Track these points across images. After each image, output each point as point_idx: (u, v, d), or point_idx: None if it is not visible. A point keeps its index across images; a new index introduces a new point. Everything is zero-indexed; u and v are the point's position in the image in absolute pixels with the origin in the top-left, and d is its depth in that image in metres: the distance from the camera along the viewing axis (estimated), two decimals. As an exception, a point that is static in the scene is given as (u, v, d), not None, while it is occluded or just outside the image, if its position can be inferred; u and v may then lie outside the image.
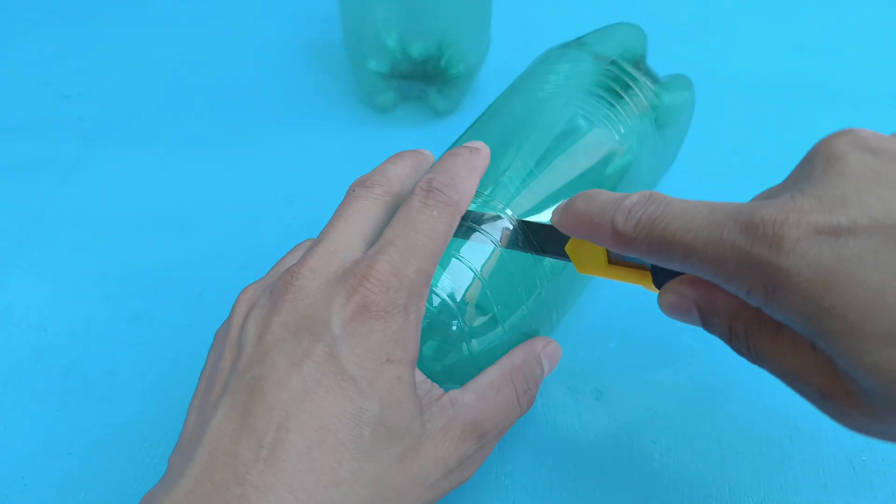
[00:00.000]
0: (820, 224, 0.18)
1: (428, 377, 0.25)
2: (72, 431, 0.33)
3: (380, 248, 0.23)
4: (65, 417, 0.34)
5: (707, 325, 0.22)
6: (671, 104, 0.35)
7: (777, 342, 0.20)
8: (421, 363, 0.26)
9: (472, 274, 0.27)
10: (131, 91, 0.50)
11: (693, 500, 0.31)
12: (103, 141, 0.46)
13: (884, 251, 0.17)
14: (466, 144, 0.28)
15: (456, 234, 0.27)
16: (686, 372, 0.35)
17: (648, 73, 0.36)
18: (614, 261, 0.25)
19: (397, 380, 0.22)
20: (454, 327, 0.27)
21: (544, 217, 0.29)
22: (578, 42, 0.36)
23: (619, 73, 0.34)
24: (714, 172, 0.44)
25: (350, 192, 0.26)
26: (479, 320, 0.27)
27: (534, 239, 0.27)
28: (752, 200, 0.21)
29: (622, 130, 0.32)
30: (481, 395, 0.26)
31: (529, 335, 0.29)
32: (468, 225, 0.27)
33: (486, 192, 0.28)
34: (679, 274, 0.23)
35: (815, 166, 0.20)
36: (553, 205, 0.29)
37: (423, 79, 0.45)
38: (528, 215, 0.28)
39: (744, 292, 0.19)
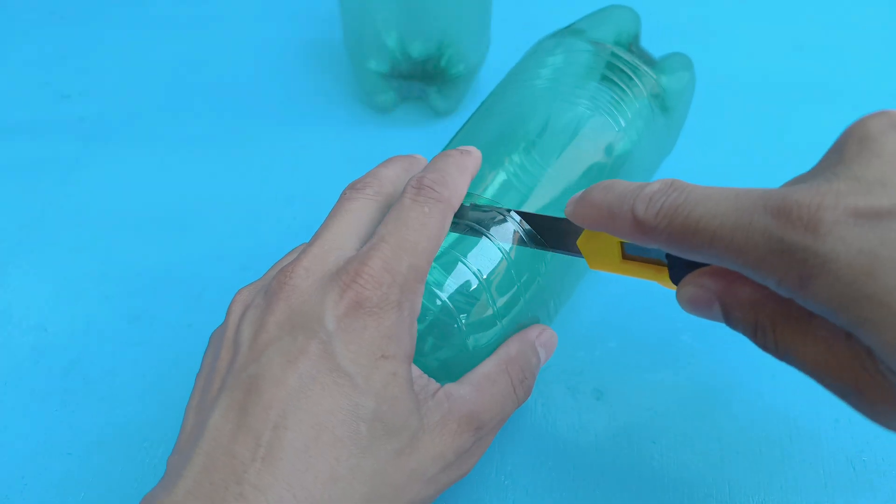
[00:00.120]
0: (860, 207, 0.17)
1: (424, 373, 0.25)
2: (72, 431, 0.33)
3: (372, 245, 0.23)
4: (65, 417, 0.34)
5: (730, 319, 0.21)
6: (671, 88, 0.34)
7: (806, 335, 0.19)
8: (417, 359, 0.26)
9: (473, 274, 0.27)
10: (131, 91, 0.50)
11: (693, 500, 0.31)
12: (103, 141, 0.46)
13: None
14: (458, 147, 0.28)
15: (456, 234, 0.28)
16: (686, 372, 0.35)
17: (644, 55, 0.35)
18: (629, 255, 0.24)
19: (392, 375, 0.22)
20: (454, 327, 0.27)
21: (546, 212, 0.29)
22: (571, 29, 0.36)
23: (616, 62, 0.33)
24: (714, 172, 0.44)
25: (343, 195, 0.26)
26: (479, 319, 0.27)
27: (542, 234, 0.27)
28: (781, 187, 0.20)
29: (622, 123, 0.32)
30: (477, 387, 0.26)
31: (527, 325, 0.29)
32: (468, 224, 0.27)
33: (477, 193, 0.28)
34: (698, 268, 0.22)
35: (848, 148, 0.19)
36: (555, 197, 0.29)
37: (423, 79, 0.45)
38: (531, 209, 0.28)
39: (774, 281, 0.18)
